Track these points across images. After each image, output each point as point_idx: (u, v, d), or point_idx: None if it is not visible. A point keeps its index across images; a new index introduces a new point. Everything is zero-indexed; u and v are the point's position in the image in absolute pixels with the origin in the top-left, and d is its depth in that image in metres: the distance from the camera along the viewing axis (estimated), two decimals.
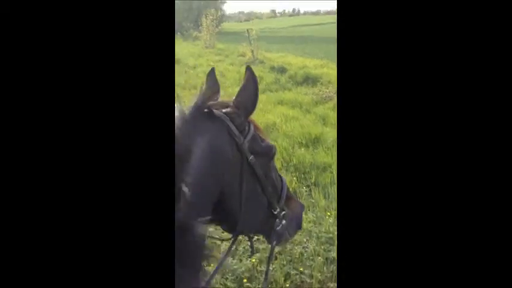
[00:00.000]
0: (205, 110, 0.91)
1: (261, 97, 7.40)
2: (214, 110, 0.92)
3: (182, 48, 17.63)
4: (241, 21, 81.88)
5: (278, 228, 1.06)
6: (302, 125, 5.08)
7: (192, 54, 14.61)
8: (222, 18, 26.32)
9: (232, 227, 1.01)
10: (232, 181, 0.93)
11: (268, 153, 1.01)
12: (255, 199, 0.99)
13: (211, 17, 17.53)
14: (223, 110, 0.94)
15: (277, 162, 3.76)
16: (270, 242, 1.09)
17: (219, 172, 0.89)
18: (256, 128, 1.00)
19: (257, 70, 10.33)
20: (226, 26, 37.66)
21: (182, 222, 0.73)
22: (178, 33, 22.67)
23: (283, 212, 1.07)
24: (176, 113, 0.83)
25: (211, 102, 0.94)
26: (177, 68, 11.36)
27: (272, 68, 10.52)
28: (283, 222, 1.07)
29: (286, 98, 7.27)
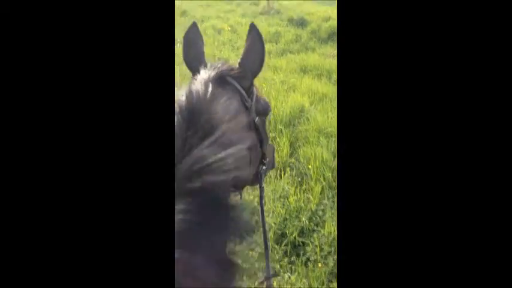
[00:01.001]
0: (220, 76, 0.86)
1: (281, 61, 6.01)
2: (227, 77, 0.87)
3: None
4: None
5: (262, 172, 1.08)
6: None
7: (200, 4, 12.76)
8: None
9: (239, 184, 0.93)
10: (242, 141, 0.84)
11: (266, 111, 1.00)
12: (257, 156, 1.00)
13: None
14: (231, 74, 0.88)
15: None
16: (255, 185, 1.11)
17: (233, 136, 0.79)
18: (256, 87, 0.97)
19: (273, 23, 8.70)
20: None
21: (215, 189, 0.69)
22: None
23: (268, 159, 1.08)
24: (200, 80, 0.84)
25: (219, 67, 0.88)
26: (184, 21, 9.76)
27: (290, 21, 8.85)
28: (265, 167, 1.08)
29: (311, 62, 5.87)
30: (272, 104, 4.04)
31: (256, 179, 1.07)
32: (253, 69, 0.92)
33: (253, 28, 0.92)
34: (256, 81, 0.98)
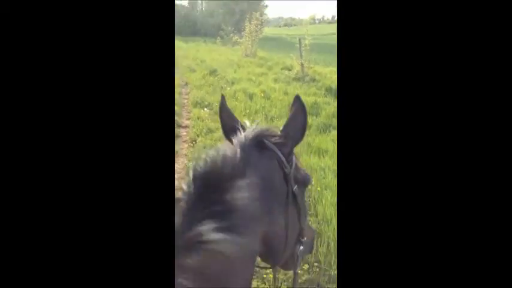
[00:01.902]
0: (258, 140, 0.88)
1: (326, 141, 4.97)
2: (266, 141, 0.88)
3: (220, 54, 15.35)
4: (280, 26, 79.19)
5: (298, 253, 0.99)
6: None
7: (230, 63, 12.28)
8: (264, 23, 23.72)
9: (275, 258, 0.95)
10: (278, 211, 0.88)
11: (306, 181, 0.98)
12: (294, 228, 0.94)
13: (255, 21, 15.07)
14: (273, 140, 0.89)
15: None
16: (290, 269, 1.07)
17: (267, 205, 0.83)
18: (295, 156, 0.97)
19: (310, 92, 7.83)
20: (266, 30, 35.11)
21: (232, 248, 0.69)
22: (218, 37, 20.42)
23: (305, 238, 1.00)
24: (236, 142, 0.84)
25: (262, 132, 0.89)
26: (213, 81, 9.06)
27: (329, 90, 7.99)
28: (302, 247, 0.99)
29: None
30: (333, 222, 2.88)
31: (291, 262, 1.00)
32: (294, 138, 0.92)
33: (297, 99, 0.94)
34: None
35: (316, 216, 3.11)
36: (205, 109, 6.30)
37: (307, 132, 4.61)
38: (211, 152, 0.78)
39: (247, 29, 15.16)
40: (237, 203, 0.72)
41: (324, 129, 5.54)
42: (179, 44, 17.87)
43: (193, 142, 5.00)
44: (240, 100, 6.89)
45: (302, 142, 4.36)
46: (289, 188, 0.89)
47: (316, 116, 6.11)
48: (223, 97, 1.03)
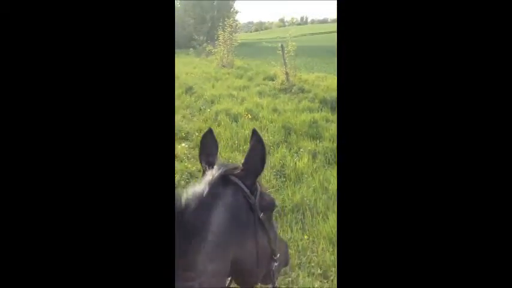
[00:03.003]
0: (223, 176, 0.91)
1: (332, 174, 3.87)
2: (230, 176, 0.92)
3: (195, 67, 14.08)
4: (251, 31, 78.40)
5: (274, 269, 1.06)
6: None
7: (207, 77, 11.04)
8: (238, 29, 22.35)
9: (248, 282, 1.01)
10: (247, 240, 0.92)
11: (271, 206, 1.02)
12: (265, 252, 0.99)
13: (229, 29, 13.86)
14: (235, 173, 0.93)
15: None
16: (268, 283, 1.10)
17: (236, 234, 0.88)
18: (260, 184, 1.00)
19: (303, 106, 6.69)
20: (238, 37, 34.01)
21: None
22: (191, 48, 19.10)
23: (278, 255, 1.06)
24: (204, 180, 0.88)
25: (224, 167, 0.93)
26: (190, 102, 7.80)
27: (323, 102, 6.88)
28: (277, 263, 1.06)
29: None
30: None
31: (268, 278, 1.06)
32: (255, 169, 0.95)
33: (254, 133, 0.97)
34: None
35: None
36: (183, 144, 5.05)
37: (314, 166, 3.07)
38: (186, 194, 0.83)
39: (221, 37, 13.95)
40: (206, 234, 0.79)
41: (332, 158, 4.39)
42: None
43: None
44: (224, 126, 5.67)
45: (314, 186, 2.68)
46: (255, 217, 0.92)
47: (320, 141, 4.96)
48: (210, 130, 1.07)
